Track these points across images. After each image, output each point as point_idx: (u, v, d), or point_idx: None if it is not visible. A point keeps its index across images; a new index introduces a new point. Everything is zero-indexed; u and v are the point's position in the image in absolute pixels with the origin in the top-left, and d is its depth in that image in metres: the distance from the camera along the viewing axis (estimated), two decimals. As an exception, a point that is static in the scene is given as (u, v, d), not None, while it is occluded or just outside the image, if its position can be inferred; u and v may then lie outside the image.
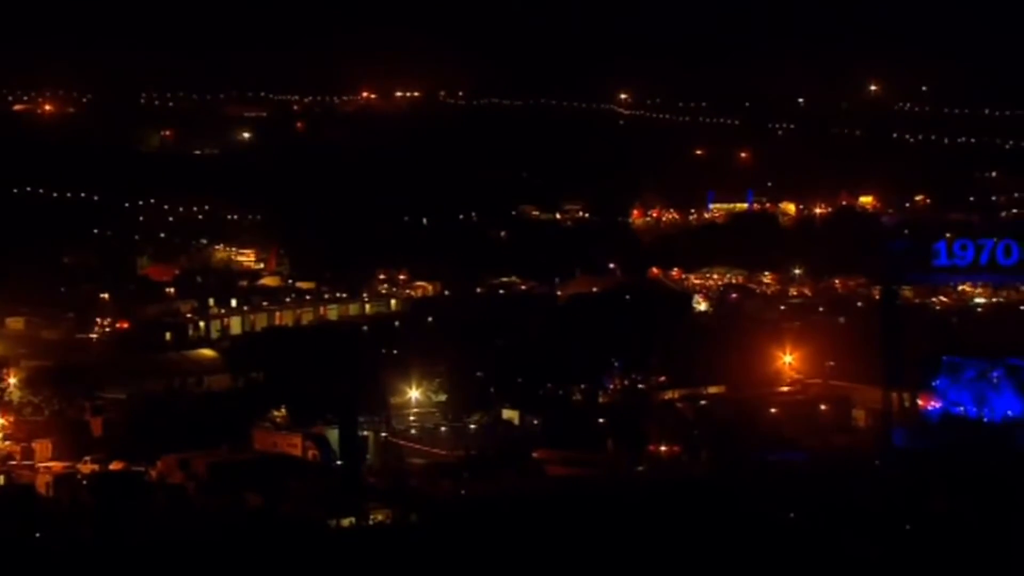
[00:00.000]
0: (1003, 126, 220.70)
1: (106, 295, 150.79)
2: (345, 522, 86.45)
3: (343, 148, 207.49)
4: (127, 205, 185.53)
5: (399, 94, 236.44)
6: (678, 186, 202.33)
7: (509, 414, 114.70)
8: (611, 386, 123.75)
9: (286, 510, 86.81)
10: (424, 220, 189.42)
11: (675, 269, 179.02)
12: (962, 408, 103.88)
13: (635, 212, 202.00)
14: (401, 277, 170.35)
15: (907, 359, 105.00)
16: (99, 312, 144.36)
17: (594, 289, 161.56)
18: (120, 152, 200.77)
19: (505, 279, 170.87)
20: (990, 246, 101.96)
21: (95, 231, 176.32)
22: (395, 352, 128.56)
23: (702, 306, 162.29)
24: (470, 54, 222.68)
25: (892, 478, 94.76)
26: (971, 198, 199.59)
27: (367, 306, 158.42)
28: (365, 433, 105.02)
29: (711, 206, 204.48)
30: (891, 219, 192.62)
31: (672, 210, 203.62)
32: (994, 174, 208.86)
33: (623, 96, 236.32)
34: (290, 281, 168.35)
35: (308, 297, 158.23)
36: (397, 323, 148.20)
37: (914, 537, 78.77)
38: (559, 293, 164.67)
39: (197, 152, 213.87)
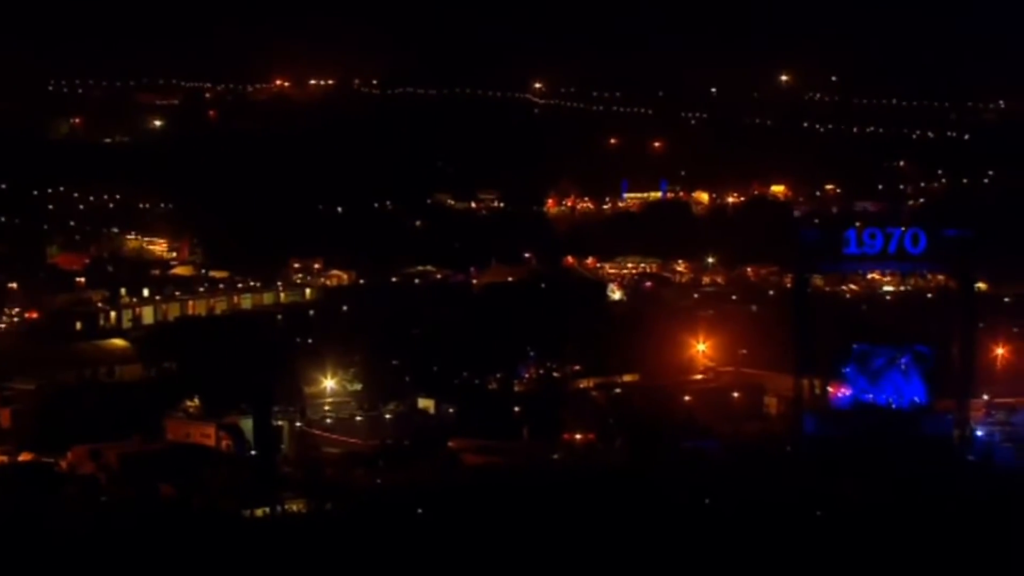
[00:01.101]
0: (910, 116, 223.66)
1: (15, 284, 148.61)
2: (259, 512, 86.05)
3: (256, 136, 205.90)
4: (36, 193, 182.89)
5: (313, 82, 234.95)
6: (592, 175, 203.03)
7: (424, 403, 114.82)
8: (526, 375, 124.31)
9: (199, 501, 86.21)
10: (339, 209, 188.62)
11: (590, 258, 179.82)
12: (871, 395, 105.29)
13: (550, 201, 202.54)
14: (316, 266, 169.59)
15: (818, 347, 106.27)
16: (8, 301, 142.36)
17: (509, 278, 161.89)
18: (29, 140, 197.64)
19: (420, 268, 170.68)
20: (898, 235, 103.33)
21: (3, 219, 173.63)
22: (310, 341, 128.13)
23: (616, 295, 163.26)
24: (384, 42, 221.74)
25: (803, 464, 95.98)
26: (880, 187, 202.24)
27: (281, 295, 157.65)
28: (279, 423, 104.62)
29: (625, 195, 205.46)
30: (802, 208, 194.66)
31: (587, 199, 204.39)
32: (902, 163, 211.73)
33: (537, 86, 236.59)
34: (203, 270, 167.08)
35: (221, 286, 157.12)
36: (312, 312, 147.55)
37: (824, 522, 79.79)
38: (474, 282, 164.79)
39: (107, 140, 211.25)
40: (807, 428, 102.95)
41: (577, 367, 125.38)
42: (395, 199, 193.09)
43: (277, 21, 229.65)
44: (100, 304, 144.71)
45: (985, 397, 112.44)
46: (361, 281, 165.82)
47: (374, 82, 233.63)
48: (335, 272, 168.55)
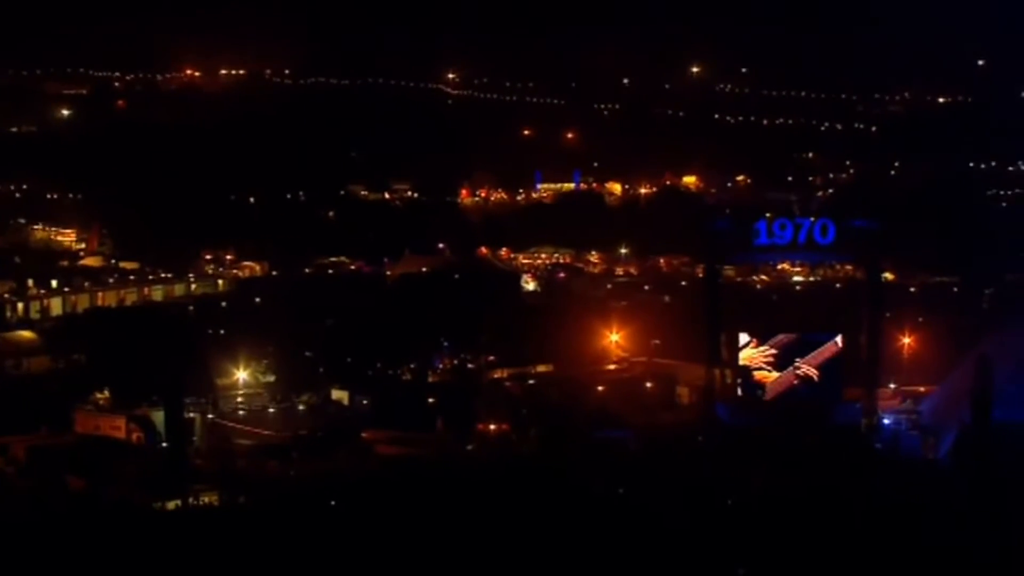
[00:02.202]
0: (819, 108, 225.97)
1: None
2: (171, 505, 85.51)
3: (166, 126, 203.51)
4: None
5: (224, 72, 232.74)
6: (506, 166, 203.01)
7: (338, 394, 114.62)
8: (440, 365, 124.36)
9: (110, 494, 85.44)
10: (251, 200, 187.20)
11: (504, 249, 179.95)
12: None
13: (464, 192, 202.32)
14: (228, 257, 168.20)
15: (730, 336, 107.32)
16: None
17: (423, 269, 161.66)
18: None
19: (334, 259, 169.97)
20: (808, 225, 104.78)
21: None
22: (222, 333, 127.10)
23: (530, 285, 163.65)
24: (297, 32, 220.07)
25: (715, 454, 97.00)
26: (790, 178, 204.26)
27: (193, 286, 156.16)
28: (191, 415, 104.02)
29: (539, 186, 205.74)
30: (714, 199, 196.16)
31: (500, 190, 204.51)
32: (811, 155, 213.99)
33: (451, 76, 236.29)
34: (113, 261, 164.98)
35: (132, 277, 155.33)
36: (224, 304, 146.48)
37: (736, 511, 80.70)
38: (388, 273, 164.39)
39: (14, 129, 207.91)
40: (719, 417, 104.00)
41: (491, 358, 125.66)
42: (308, 190, 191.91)
43: (187, 10, 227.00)
44: (7, 295, 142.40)
45: (892, 386, 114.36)
46: (274, 272, 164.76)
47: (286, 72, 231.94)
48: (247, 263, 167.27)
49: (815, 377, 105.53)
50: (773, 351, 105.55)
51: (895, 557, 71.32)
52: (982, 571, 69.19)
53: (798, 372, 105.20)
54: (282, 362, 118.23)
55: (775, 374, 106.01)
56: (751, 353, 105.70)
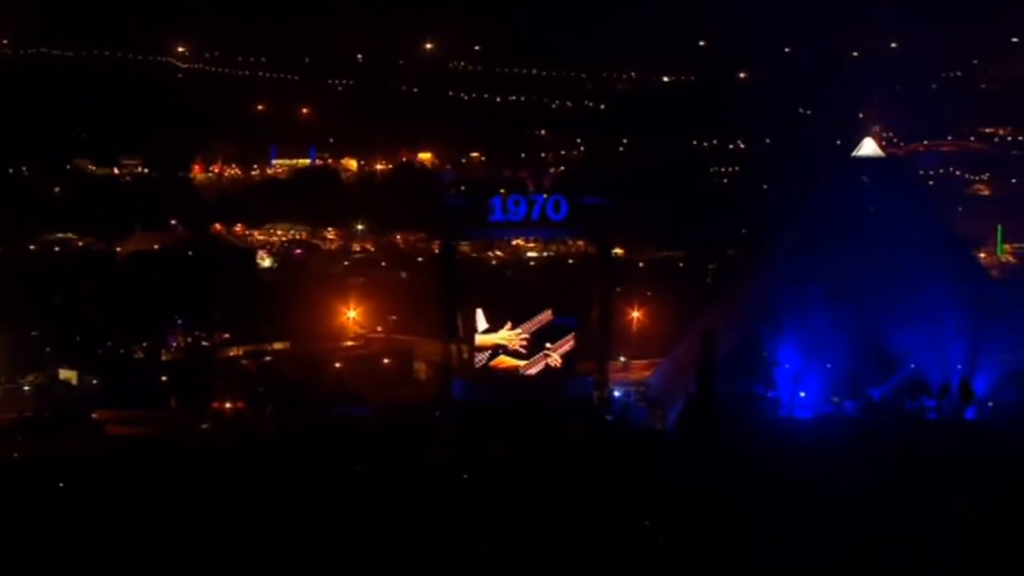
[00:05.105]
0: (550, 86, 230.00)
1: None
2: None
3: None
4: None
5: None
6: (240, 142, 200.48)
7: (67, 374, 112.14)
8: (174, 344, 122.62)
9: None
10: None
11: (238, 225, 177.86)
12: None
13: (196, 167, 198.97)
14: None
15: (466, 312, 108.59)
16: None
17: (155, 245, 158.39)
18: None
19: (60, 235, 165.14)
20: (541, 202, 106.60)
21: None
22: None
23: (266, 262, 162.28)
24: (17, 0, 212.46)
25: (451, 428, 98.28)
26: (523, 155, 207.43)
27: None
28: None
29: (274, 162, 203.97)
30: (449, 175, 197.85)
31: (234, 165, 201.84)
32: (543, 132, 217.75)
33: (181, 49, 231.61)
34: None
35: None
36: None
37: (471, 485, 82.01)
38: (119, 249, 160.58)
39: None
40: (455, 393, 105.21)
41: (226, 335, 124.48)
42: (32, 164, 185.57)
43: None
44: None
45: (622, 359, 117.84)
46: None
47: (4, 42, 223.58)
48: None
49: (559, 365, 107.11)
50: (526, 336, 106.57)
51: (624, 527, 73.58)
52: (703, 537, 71.93)
53: (548, 360, 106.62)
54: (5, 341, 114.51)
55: (523, 362, 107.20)
56: (508, 335, 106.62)
